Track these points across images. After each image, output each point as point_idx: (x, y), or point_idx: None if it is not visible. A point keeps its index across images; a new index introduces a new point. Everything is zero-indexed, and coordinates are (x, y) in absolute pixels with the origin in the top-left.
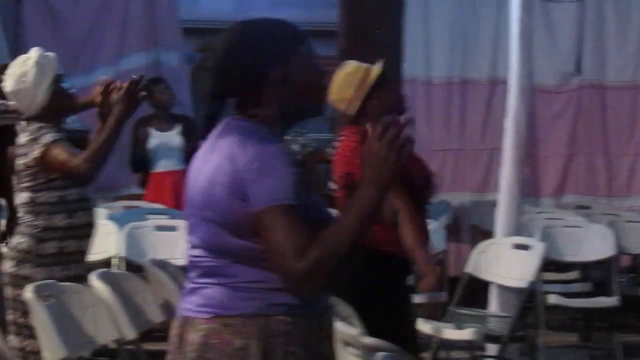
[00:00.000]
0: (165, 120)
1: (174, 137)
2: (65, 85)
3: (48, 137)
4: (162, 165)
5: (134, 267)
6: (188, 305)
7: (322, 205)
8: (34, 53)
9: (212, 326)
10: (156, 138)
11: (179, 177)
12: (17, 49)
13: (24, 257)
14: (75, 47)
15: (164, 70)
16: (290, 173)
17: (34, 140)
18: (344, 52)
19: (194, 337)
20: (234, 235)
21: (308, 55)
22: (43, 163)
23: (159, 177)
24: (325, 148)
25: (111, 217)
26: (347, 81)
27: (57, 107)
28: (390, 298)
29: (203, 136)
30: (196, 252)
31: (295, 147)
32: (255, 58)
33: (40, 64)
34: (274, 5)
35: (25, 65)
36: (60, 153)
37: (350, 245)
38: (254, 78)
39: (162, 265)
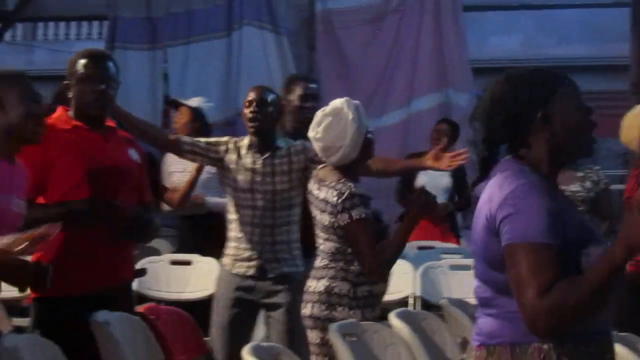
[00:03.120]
0: None
1: (443, 177)
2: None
3: (358, 213)
4: None
5: (429, 306)
6: (472, 335)
7: (589, 226)
8: (346, 106)
9: (479, 353)
10: (425, 176)
11: None
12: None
13: (337, 301)
14: (367, 92)
15: (454, 111)
16: (544, 211)
17: (342, 202)
18: (637, 86)
19: None
20: (494, 269)
21: (571, 95)
22: (345, 232)
23: None
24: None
25: (406, 257)
26: (634, 122)
27: (361, 160)
28: None
29: (481, 179)
30: (476, 284)
31: (587, 184)
32: (516, 104)
33: (355, 119)
34: (561, 42)
35: (342, 121)
36: (361, 239)
37: (594, 299)
38: (518, 122)
39: (459, 304)
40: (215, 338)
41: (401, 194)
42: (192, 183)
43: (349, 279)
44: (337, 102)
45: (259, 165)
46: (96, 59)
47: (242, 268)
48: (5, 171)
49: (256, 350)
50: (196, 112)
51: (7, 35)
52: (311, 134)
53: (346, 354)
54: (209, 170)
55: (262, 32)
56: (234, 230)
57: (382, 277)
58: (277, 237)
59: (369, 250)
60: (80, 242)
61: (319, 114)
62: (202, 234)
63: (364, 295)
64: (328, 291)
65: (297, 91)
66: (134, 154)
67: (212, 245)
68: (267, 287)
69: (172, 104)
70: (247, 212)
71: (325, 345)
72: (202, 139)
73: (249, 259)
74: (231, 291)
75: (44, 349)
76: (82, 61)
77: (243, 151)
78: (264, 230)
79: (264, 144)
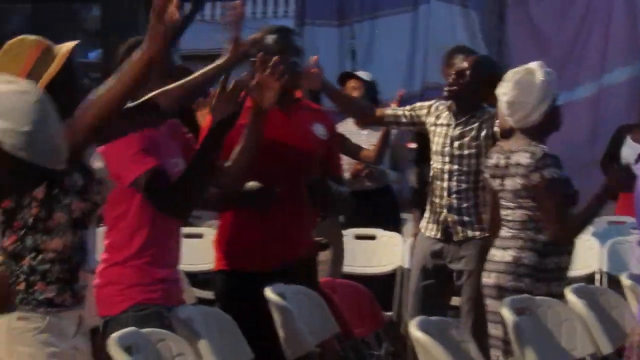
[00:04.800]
0: None
1: None
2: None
3: (550, 173)
4: None
5: (615, 283)
6: None
7: None
8: (538, 67)
9: None
10: (629, 148)
11: None
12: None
13: (525, 272)
14: (558, 64)
15: None
16: None
17: (535, 162)
18: None
19: None
20: None
21: None
22: (536, 194)
23: None
24: None
25: (594, 233)
26: None
27: (547, 127)
28: None
29: None
30: None
31: None
32: None
33: (545, 82)
34: None
35: (531, 79)
36: (551, 200)
37: None
38: None
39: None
40: (409, 303)
41: (604, 164)
42: (385, 139)
43: (537, 249)
44: (531, 64)
45: (451, 130)
46: (285, 34)
47: (432, 231)
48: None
49: (424, 324)
50: (369, 86)
51: (207, 15)
52: (499, 90)
53: (517, 329)
54: None
55: (449, 5)
56: (430, 193)
57: (566, 242)
58: (463, 201)
59: (557, 211)
60: (264, 219)
61: (509, 73)
62: (371, 208)
63: (551, 267)
64: (515, 261)
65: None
66: (319, 129)
67: (380, 219)
68: (453, 251)
69: (343, 78)
70: (438, 175)
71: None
72: (402, 108)
73: (436, 222)
74: (423, 255)
75: (218, 321)
76: (272, 36)
77: (441, 115)
78: (450, 194)
79: (459, 109)
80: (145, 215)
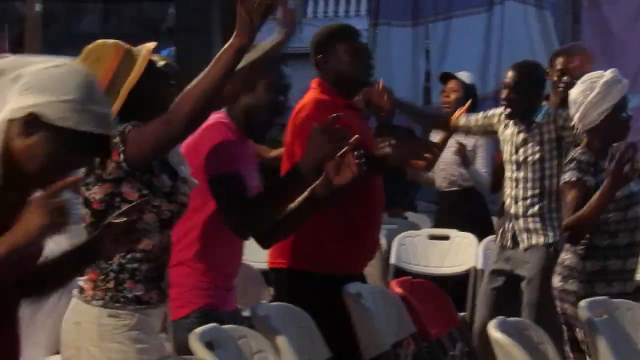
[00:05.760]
0: None
1: None
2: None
3: (570, 176)
4: None
5: None
6: None
7: None
8: (609, 73)
9: None
10: None
11: None
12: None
13: (569, 274)
14: (632, 69)
15: None
16: None
17: (565, 165)
18: None
19: None
20: None
21: None
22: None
23: None
24: None
25: None
26: None
27: (608, 132)
28: None
29: None
30: None
31: None
32: None
33: (608, 83)
34: None
35: (594, 81)
36: (565, 201)
37: None
38: None
39: None
40: (478, 305)
41: None
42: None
43: (577, 252)
44: (606, 71)
45: (514, 137)
46: (359, 35)
47: (503, 238)
48: (248, 149)
49: (502, 325)
50: (468, 88)
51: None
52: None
53: (595, 332)
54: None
55: (524, 6)
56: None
57: (575, 241)
58: (529, 208)
59: (568, 212)
60: (345, 220)
61: (584, 76)
62: (459, 209)
63: (594, 270)
64: (561, 263)
65: (557, 66)
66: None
67: (469, 221)
68: (519, 257)
69: (443, 78)
70: (507, 183)
71: (563, 314)
72: (475, 115)
73: (505, 229)
74: (494, 261)
75: (295, 318)
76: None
77: (508, 123)
78: (517, 201)
79: (518, 116)
80: (214, 219)
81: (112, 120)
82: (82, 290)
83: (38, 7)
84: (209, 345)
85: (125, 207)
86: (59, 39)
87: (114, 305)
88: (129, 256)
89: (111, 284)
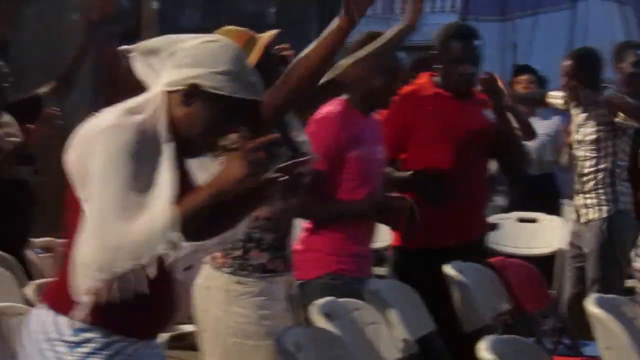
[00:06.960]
0: None
1: None
2: None
3: None
4: None
5: None
6: None
7: None
8: None
9: None
10: None
11: None
12: None
13: None
14: None
15: None
16: None
17: None
18: None
19: None
20: None
21: None
22: None
23: None
24: None
25: None
26: None
27: None
28: None
29: None
30: None
31: None
32: None
33: None
34: None
35: None
36: None
37: None
38: None
39: None
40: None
41: None
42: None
43: None
44: None
45: (576, 117)
46: (469, 41)
47: (574, 214)
48: (368, 125)
49: (600, 301)
50: (542, 80)
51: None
52: None
53: None
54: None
55: (607, 2)
56: None
57: None
58: (585, 185)
59: None
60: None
61: None
62: (529, 189)
63: None
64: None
65: (629, 58)
66: (489, 114)
67: (540, 200)
68: (582, 230)
69: (519, 70)
70: (573, 161)
71: None
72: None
73: (575, 206)
74: (570, 237)
75: (403, 293)
76: (457, 43)
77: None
78: (579, 178)
79: (578, 100)
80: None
81: (261, 87)
82: (214, 257)
83: (155, 4)
84: (328, 316)
85: None
86: (162, 34)
87: (240, 273)
88: (254, 225)
89: (239, 252)
